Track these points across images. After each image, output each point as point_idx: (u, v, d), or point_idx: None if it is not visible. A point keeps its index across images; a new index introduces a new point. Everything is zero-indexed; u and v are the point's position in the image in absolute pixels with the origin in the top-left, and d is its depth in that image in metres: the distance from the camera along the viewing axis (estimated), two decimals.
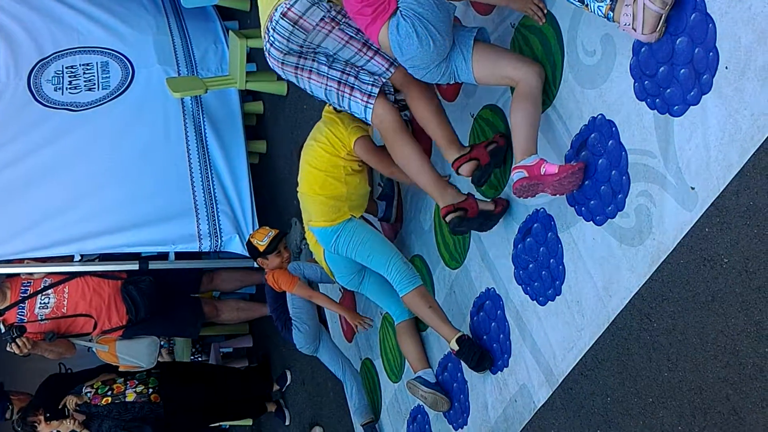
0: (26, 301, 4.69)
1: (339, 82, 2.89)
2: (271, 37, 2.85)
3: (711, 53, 1.99)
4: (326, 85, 2.90)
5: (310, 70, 2.90)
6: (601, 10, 2.21)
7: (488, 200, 2.94)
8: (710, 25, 1.99)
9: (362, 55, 2.87)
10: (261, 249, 4.00)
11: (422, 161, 2.95)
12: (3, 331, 4.56)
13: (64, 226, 4.80)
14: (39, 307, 4.71)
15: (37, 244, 4.73)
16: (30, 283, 4.78)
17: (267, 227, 4.18)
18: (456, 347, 3.09)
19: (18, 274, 4.83)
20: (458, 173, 2.89)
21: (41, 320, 4.69)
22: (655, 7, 2.08)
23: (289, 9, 2.75)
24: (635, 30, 2.14)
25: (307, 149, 3.39)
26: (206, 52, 5.82)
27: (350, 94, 2.89)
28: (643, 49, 2.23)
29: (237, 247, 4.99)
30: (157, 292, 4.85)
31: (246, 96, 5.90)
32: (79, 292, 4.76)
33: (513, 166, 2.52)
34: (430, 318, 3.25)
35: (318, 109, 4.26)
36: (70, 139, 5.20)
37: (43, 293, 4.72)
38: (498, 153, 2.83)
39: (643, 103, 2.25)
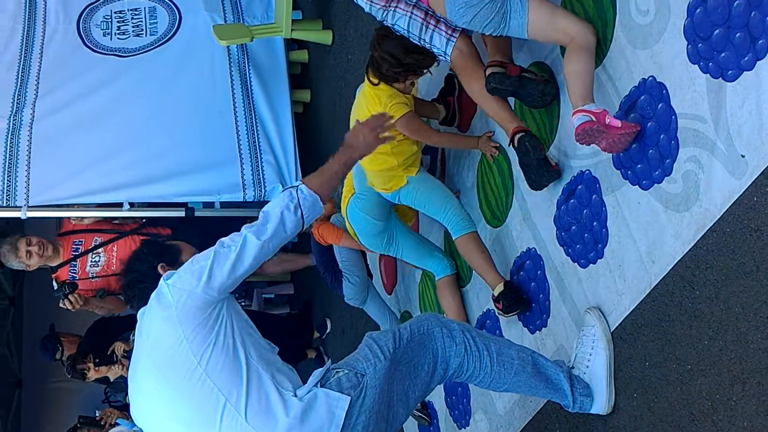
0: (78, 260, 4.83)
1: (426, 13, 2.92)
2: None
3: None
4: (411, 13, 2.92)
5: (399, 0, 2.93)
6: None
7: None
8: None
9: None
10: None
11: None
12: (56, 287, 4.72)
13: (111, 173, 4.88)
14: (90, 266, 4.85)
15: (85, 190, 4.82)
16: (81, 242, 4.91)
17: None
18: (501, 289, 3.11)
19: (71, 232, 4.95)
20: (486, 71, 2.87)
21: (92, 278, 4.83)
22: None
23: None
24: None
25: (352, 124, 3.40)
26: None
27: (435, 26, 2.92)
28: (698, 10, 2.16)
29: None
30: (202, 245, 4.93)
31: (291, 44, 5.88)
32: (127, 251, 4.86)
33: (573, 110, 2.45)
34: (479, 263, 3.27)
35: (362, 61, 4.24)
36: (118, 85, 5.26)
37: (94, 252, 4.85)
38: (530, 84, 2.81)
39: (696, 66, 2.19)
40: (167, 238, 4.92)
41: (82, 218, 4.96)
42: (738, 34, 2.03)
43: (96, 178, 4.86)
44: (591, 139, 2.41)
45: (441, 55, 2.98)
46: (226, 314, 2.41)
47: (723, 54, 2.08)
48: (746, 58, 2.01)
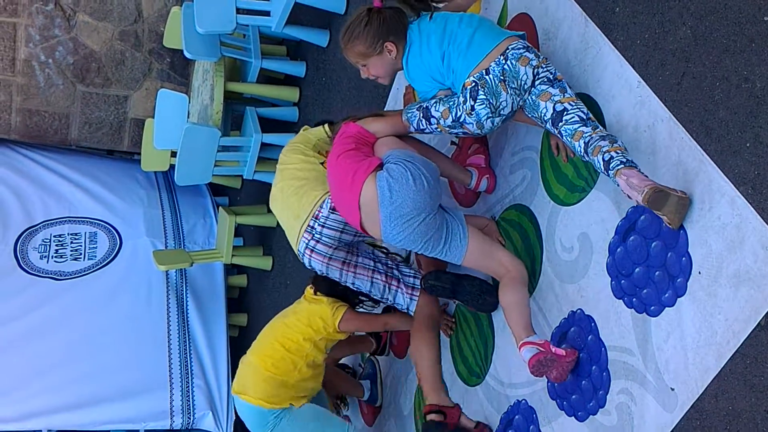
0: None
1: (386, 275, 3.07)
2: (317, 234, 2.89)
3: (684, 258, 2.06)
4: (372, 278, 3.04)
5: (356, 265, 3.03)
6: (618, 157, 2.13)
7: (472, 420, 2.92)
8: (682, 231, 2.07)
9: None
10: None
11: (435, 359, 2.99)
12: None
13: (32, 398, 4.67)
14: None
15: (4, 416, 4.58)
16: None
17: None
18: None
19: None
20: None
21: None
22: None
23: None
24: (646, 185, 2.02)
25: (277, 323, 3.39)
26: (195, 225, 5.94)
27: (397, 286, 3.07)
28: (619, 249, 2.31)
29: (210, 425, 4.85)
30: None
31: (231, 269, 5.96)
32: None
33: (519, 343, 2.46)
34: None
35: (300, 287, 4.30)
36: (50, 308, 5.17)
37: None
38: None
39: (621, 301, 2.30)
40: None
41: None
42: (657, 273, 2.16)
43: (16, 402, 4.63)
44: (544, 370, 2.42)
45: (405, 310, 3.10)
46: None
47: (645, 290, 2.20)
48: (667, 295, 2.13)
